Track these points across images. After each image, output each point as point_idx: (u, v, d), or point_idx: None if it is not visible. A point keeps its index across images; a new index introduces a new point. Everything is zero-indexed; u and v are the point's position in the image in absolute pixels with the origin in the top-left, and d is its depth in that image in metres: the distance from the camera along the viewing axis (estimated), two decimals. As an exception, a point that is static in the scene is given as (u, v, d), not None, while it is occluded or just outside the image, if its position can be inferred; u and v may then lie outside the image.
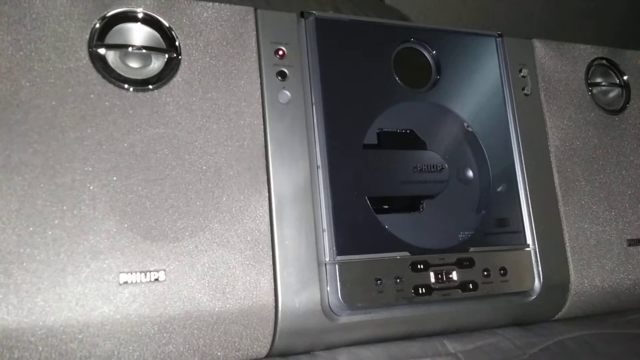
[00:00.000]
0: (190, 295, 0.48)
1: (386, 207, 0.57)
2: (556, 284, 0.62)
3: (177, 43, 0.52)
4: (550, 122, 0.67)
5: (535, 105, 0.67)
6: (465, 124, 0.62)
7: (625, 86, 0.75)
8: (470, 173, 0.61)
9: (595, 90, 0.72)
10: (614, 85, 0.74)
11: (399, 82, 0.60)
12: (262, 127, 0.54)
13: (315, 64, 0.57)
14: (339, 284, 0.52)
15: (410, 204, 0.58)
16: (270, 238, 0.52)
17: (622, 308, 0.68)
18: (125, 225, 0.47)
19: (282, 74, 0.56)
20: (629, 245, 0.67)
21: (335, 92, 0.57)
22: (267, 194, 0.52)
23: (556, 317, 0.65)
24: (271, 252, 0.51)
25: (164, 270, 0.47)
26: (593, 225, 0.66)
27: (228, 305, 0.49)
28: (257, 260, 0.51)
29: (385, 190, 0.57)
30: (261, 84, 0.55)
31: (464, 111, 0.62)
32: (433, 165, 0.59)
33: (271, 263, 0.51)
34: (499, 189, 0.61)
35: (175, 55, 0.52)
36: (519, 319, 0.63)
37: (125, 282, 0.46)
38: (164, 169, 0.50)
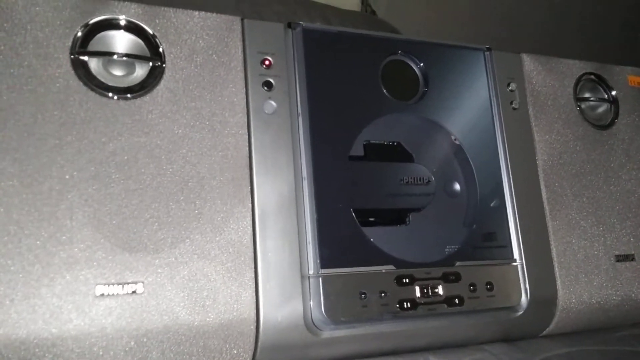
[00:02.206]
0: (169, 308, 0.47)
1: (372, 219, 0.56)
2: (543, 300, 0.61)
3: (160, 50, 0.52)
4: (538, 136, 0.67)
5: (523, 120, 0.67)
6: (453, 137, 0.62)
7: (613, 101, 0.75)
8: (457, 186, 0.60)
9: (583, 105, 0.72)
10: (603, 100, 0.74)
11: (387, 94, 0.60)
12: (247, 137, 0.53)
13: (302, 75, 0.56)
14: (322, 297, 0.51)
15: (397, 217, 0.58)
16: (252, 250, 0.51)
17: (610, 324, 0.67)
18: (103, 235, 0.46)
19: (268, 84, 0.55)
20: (617, 261, 0.67)
21: (321, 103, 0.56)
22: (250, 205, 0.52)
23: (544, 333, 0.64)
24: (253, 265, 0.50)
25: (142, 282, 0.46)
26: (581, 241, 0.65)
27: (208, 319, 0.48)
28: (239, 273, 0.50)
29: (371, 202, 0.56)
30: (246, 93, 0.54)
31: (451, 124, 0.62)
32: (420, 178, 0.59)
33: (253, 276, 0.50)
34: (492, 204, 0.61)
35: (159, 63, 0.51)
36: (505, 334, 0.62)
37: (102, 294, 0.45)
38: (145, 179, 0.49)
